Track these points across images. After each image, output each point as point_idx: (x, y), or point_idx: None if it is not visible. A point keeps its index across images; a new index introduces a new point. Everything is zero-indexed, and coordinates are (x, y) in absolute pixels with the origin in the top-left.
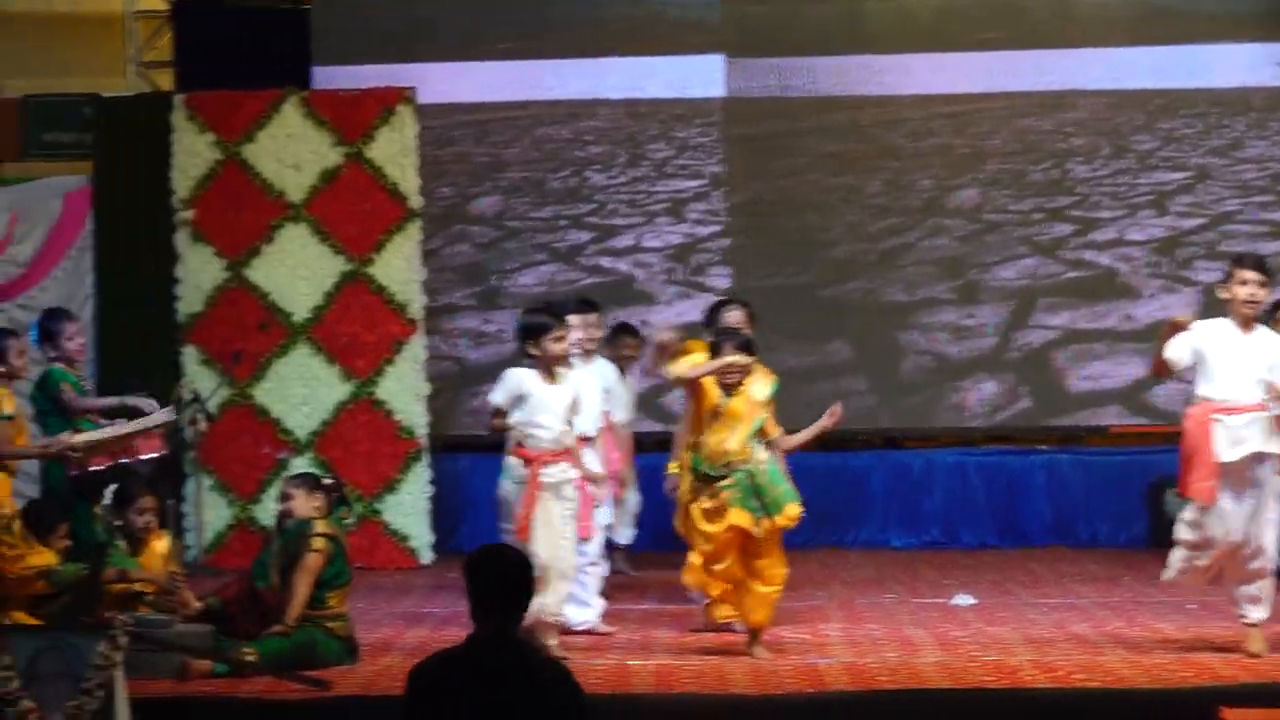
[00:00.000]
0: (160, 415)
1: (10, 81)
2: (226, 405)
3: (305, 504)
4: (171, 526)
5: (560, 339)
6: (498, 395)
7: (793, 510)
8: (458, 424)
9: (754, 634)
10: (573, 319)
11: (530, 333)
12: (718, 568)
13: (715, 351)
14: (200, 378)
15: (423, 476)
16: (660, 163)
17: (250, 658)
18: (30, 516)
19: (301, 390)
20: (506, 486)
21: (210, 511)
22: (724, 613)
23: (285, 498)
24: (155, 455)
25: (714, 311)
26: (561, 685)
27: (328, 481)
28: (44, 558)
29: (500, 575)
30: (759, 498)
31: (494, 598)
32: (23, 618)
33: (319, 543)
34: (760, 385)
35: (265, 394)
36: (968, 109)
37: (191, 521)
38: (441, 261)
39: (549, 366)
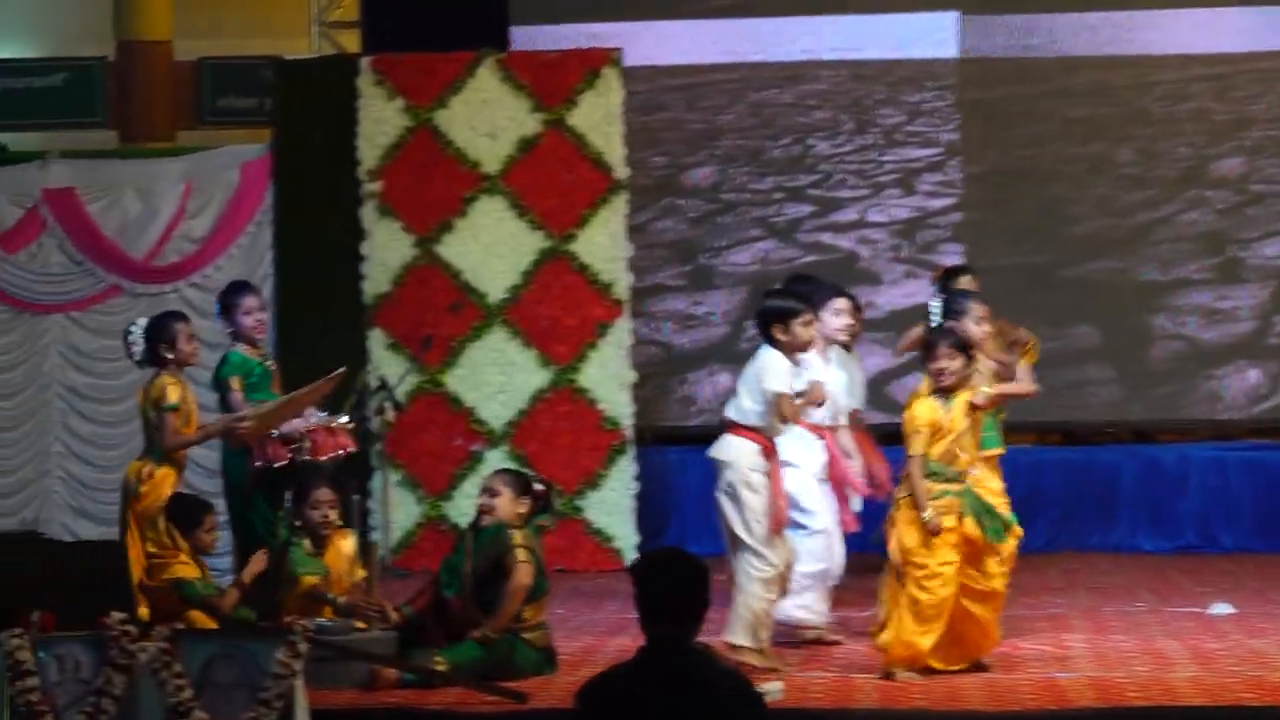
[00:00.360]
0: (319, 417)
1: (185, 44)
2: (416, 394)
3: (510, 507)
4: (357, 525)
5: (810, 323)
6: (777, 380)
7: (1018, 529)
8: (665, 414)
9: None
10: (840, 303)
11: (779, 316)
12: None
13: (929, 347)
14: (387, 364)
15: (627, 472)
16: (890, 129)
17: (441, 667)
18: (172, 510)
19: (497, 378)
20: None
21: (398, 509)
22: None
23: (490, 493)
24: (342, 453)
25: (947, 277)
26: (742, 700)
27: (539, 487)
28: (185, 569)
29: (674, 581)
30: (990, 515)
31: (667, 605)
32: (201, 619)
33: (524, 555)
34: (978, 390)
35: (457, 382)
36: (1230, 70)
37: (378, 520)
38: (649, 237)
39: (792, 353)
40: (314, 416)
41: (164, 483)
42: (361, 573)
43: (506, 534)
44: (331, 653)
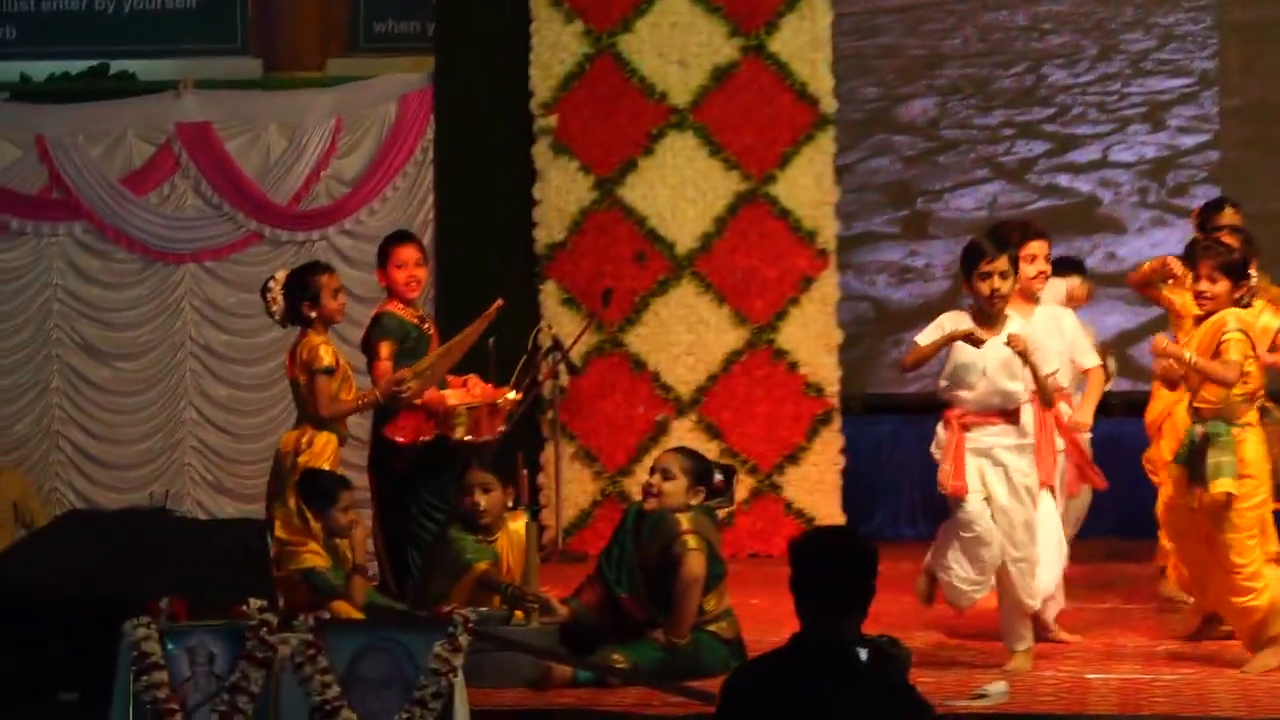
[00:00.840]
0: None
1: None
2: (593, 355)
3: (683, 493)
4: (527, 503)
5: (989, 273)
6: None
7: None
8: (876, 380)
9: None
10: (1034, 246)
11: (962, 264)
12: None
13: (1191, 264)
14: (562, 321)
15: (833, 444)
16: (1137, 56)
17: (621, 665)
18: (305, 486)
19: (685, 337)
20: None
21: (572, 485)
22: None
23: (664, 474)
24: (495, 437)
25: (1205, 214)
26: (903, 702)
27: (719, 478)
28: (314, 557)
29: (837, 563)
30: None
31: (826, 591)
32: (345, 609)
33: (693, 541)
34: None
35: (641, 341)
36: None
37: (550, 497)
38: (859, 179)
39: (982, 308)
40: (478, 387)
41: (324, 453)
42: (534, 556)
43: (671, 520)
44: (497, 646)
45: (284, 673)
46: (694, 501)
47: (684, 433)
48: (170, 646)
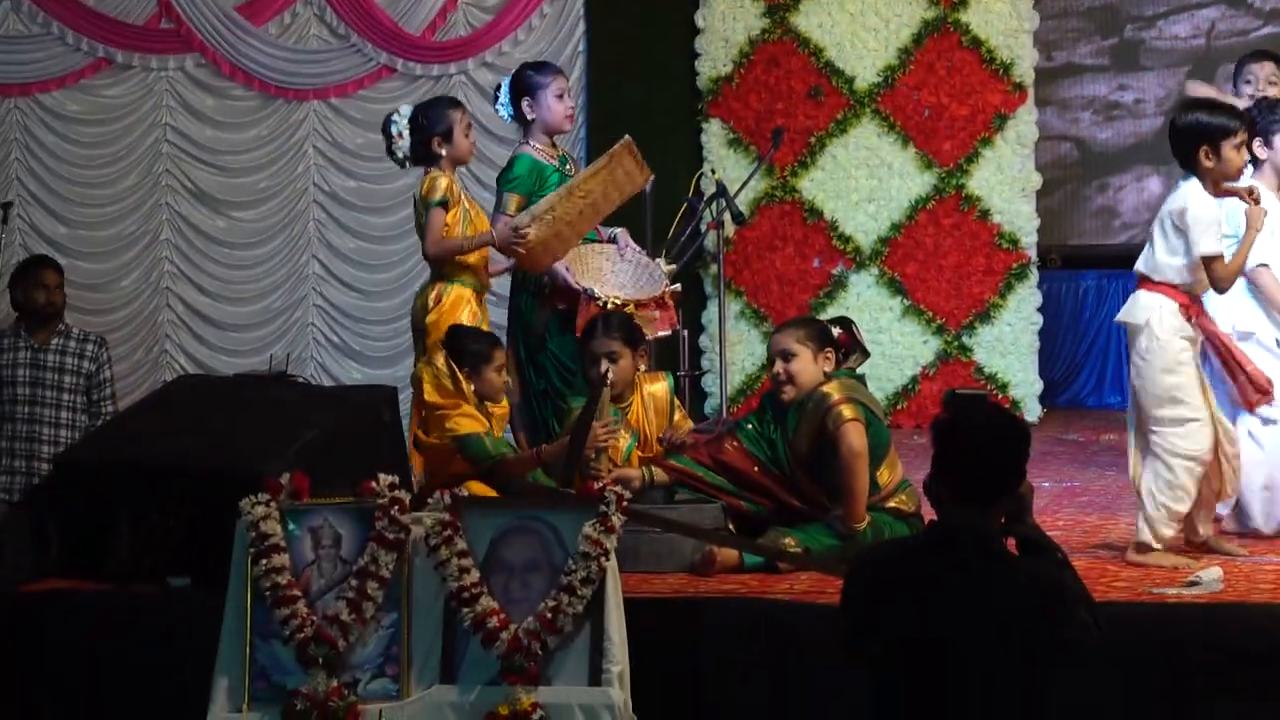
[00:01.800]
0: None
1: None
2: (762, 202)
3: (812, 370)
4: (688, 368)
5: (1243, 146)
6: (1207, 238)
7: None
8: (1078, 230)
9: None
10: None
11: (1207, 134)
12: None
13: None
14: (727, 163)
15: (1030, 302)
16: None
17: (794, 548)
18: (454, 342)
19: (865, 183)
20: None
21: (738, 348)
22: None
23: (783, 357)
24: (668, 332)
25: (1239, 67)
26: (1043, 615)
27: (838, 331)
28: (469, 422)
29: (984, 445)
30: None
31: (970, 476)
32: (478, 488)
33: (847, 410)
34: None
35: (815, 187)
36: None
37: (712, 361)
38: (1060, 4)
39: (1219, 185)
40: (630, 254)
41: (458, 308)
42: (687, 424)
43: (816, 398)
44: (655, 527)
45: (417, 556)
46: (827, 369)
47: (862, 289)
48: (292, 527)
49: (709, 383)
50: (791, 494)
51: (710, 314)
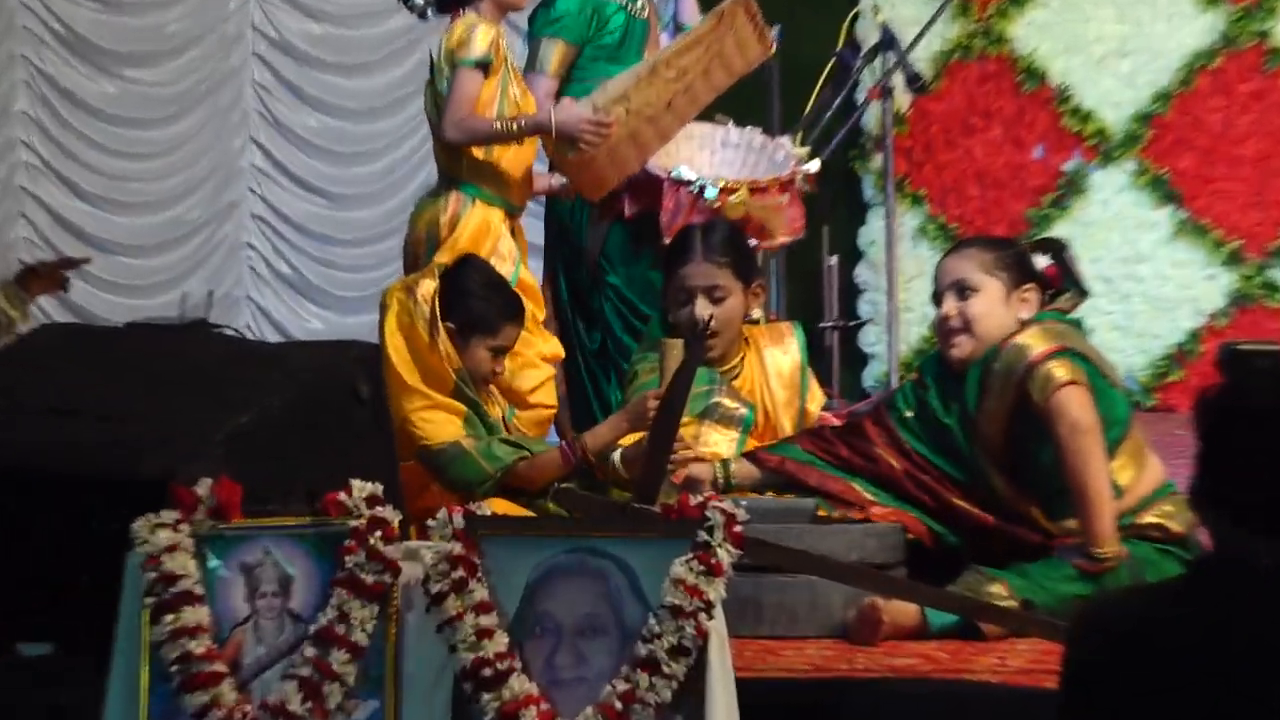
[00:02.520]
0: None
1: None
2: (954, 57)
3: (1002, 306)
4: (836, 316)
5: None
6: None
7: None
8: None
9: None
10: None
11: None
12: None
13: None
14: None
15: None
16: None
17: (1007, 600)
18: (453, 278)
19: (1114, 28)
20: None
21: (918, 283)
22: None
23: (957, 291)
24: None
25: None
26: None
27: (1043, 260)
28: (447, 422)
29: (1274, 430)
30: None
31: (1255, 478)
32: (502, 505)
33: (1059, 370)
34: None
35: (1035, 35)
36: None
37: (875, 305)
38: None
39: None
40: (736, 135)
41: (484, 233)
42: (820, 399)
43: (1011, 354)
44: (785, 564)
45: (410, 611)
46: (1025, 314)
47: (1110, 194)
48: (214, 564)
49: (870, 338)
50: (985, 508)
51: (871, 232)
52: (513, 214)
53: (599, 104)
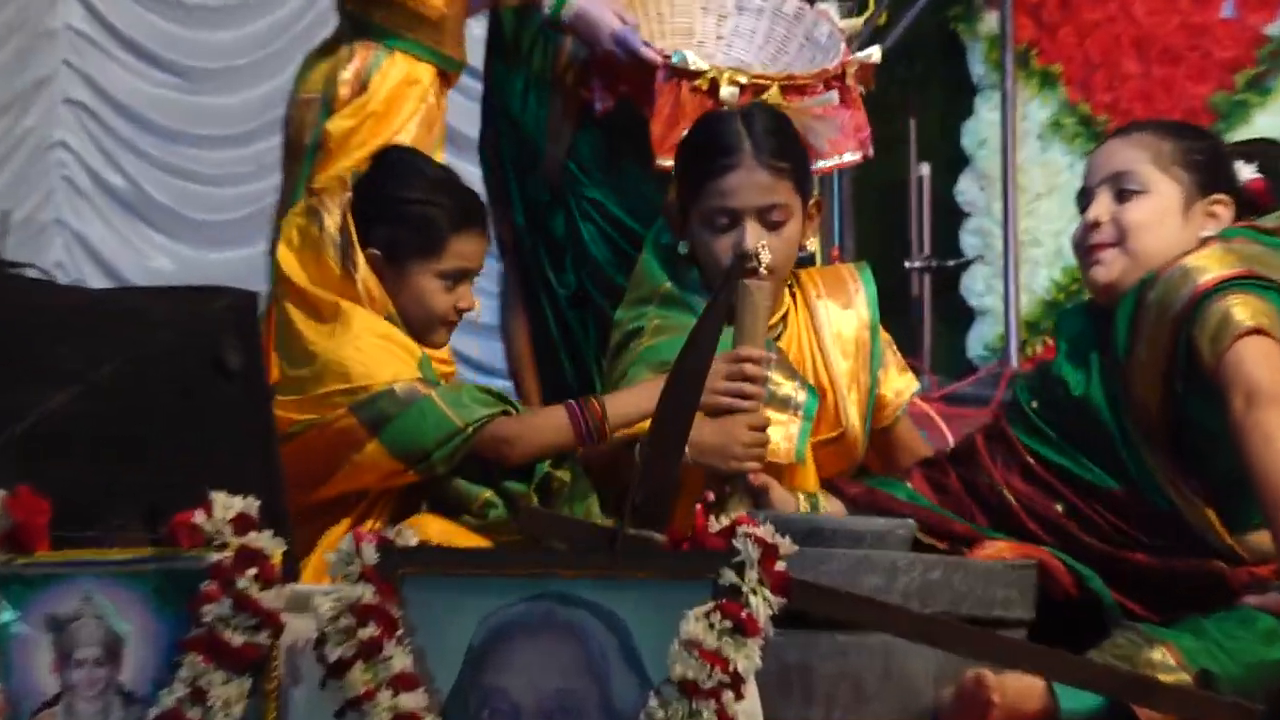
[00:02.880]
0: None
1: None
2: None
3: (1172, 221)
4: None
5: None
6: None
7: None
8: None
9: None
10: None
11: None
12: None
13: None
14: None
15: None
16: None
17: (1174, 669)
18: (373, 180)
19: None
20: None
21: (1049, 203)
22: None
23: (1115, 191)
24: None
25: None
26: None
27: (1246, 170)
28: (390, 357)
29: None
30: None
31: None
32: (438, 527)
33: (1243, 308)
34: None
35: None
36: None
37: (988, 241)
38: None
39: None
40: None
41: (397, 104)
42: (902, 380)
43: (1175, 276)
44: (844, 617)
45: (298, 687)
46: (1208, 231)
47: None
48: (7, 616)
49: (978, 285)
50: (1148, 528)
51: (981, 128)
52: (448, 73)
53: None
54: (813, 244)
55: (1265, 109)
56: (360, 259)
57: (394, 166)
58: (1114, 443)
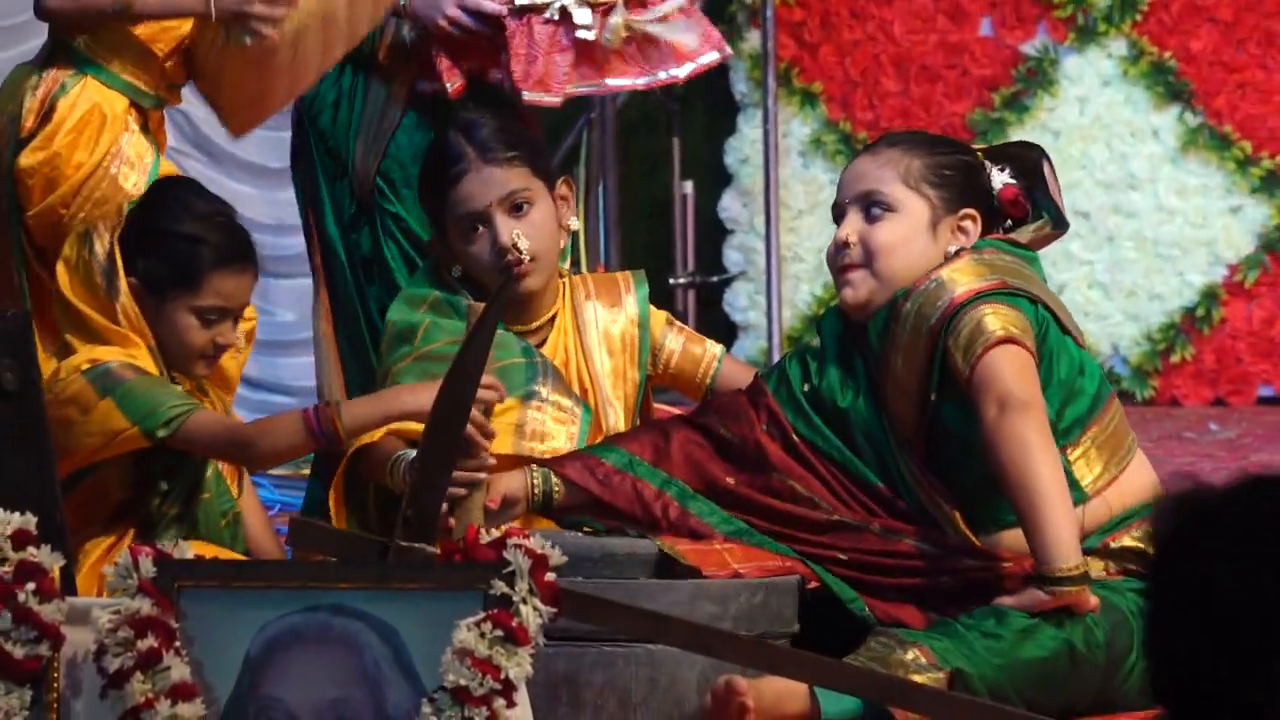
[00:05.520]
0: None
1: None
2: None
3: (921, 240)
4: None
5: None
6: None
7: None
8: None
9: None
10: None
11: None
12: None
13: None
14: None
15: None
16: None
17: (927, 670)
18: (146, 211)
19: None
20: None
21: (809, 220)
22: None
23: (864, 209)
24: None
25: None
26: None
27: (1000, 179)
28: (121, 351)
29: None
30: None
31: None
32: (209, 549)
33: (995, 318)
34: None
35: None
36: None
37: (749, 256)
38: None
39: None
40: None
41: (84, 134)
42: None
43: (929, 290)
44: (615, 630)
45: (77, 698)
46: (957, 245)
47: (1089, 88)
48: None
49: (740, 300)
50: (897, 517)
51: (743, 145)
52: (145, 108)
53: None
54: (575, 222)
55: (1023, 126)
56: (123, 286)
57: (163, 198)
58: (881, 447)
